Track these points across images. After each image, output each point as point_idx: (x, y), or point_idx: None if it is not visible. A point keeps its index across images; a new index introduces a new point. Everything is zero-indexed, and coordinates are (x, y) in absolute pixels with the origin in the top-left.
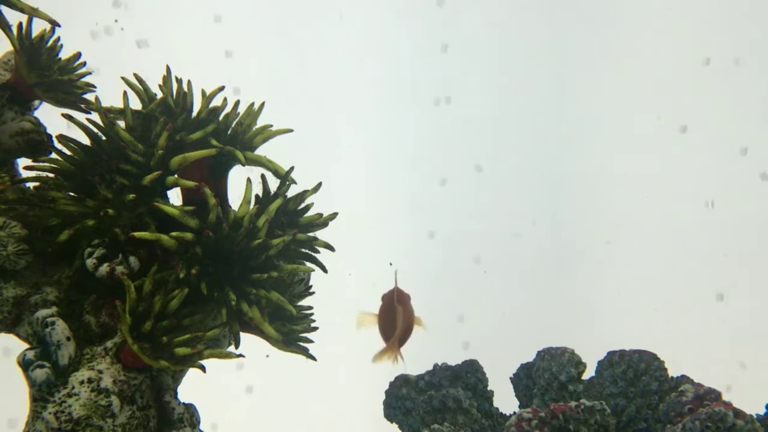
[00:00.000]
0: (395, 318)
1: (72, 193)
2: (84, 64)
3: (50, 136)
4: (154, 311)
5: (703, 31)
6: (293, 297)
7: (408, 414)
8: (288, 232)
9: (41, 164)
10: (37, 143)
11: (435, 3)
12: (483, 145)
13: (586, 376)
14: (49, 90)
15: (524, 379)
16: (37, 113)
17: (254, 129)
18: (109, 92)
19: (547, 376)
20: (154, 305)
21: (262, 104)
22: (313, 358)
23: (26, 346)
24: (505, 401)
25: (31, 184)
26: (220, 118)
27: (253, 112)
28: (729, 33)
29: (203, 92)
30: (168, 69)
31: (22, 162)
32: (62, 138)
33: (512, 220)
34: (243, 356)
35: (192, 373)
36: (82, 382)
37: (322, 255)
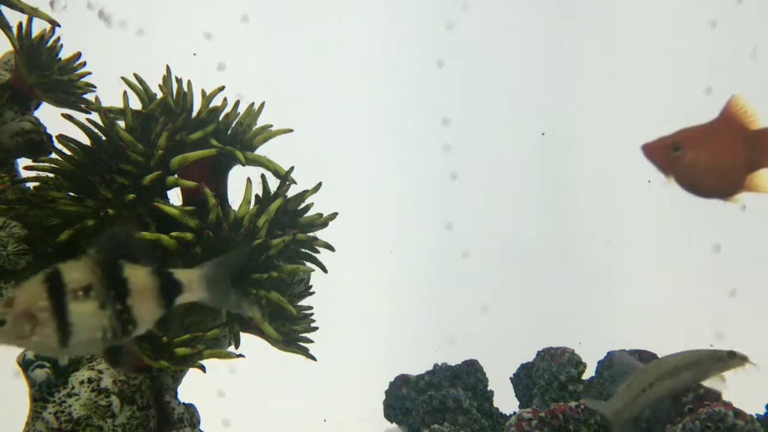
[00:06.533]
0: None
1: (72, 193)
2: (84, 64)
3: (50, 136)
4: None
5: (708, 33)
6: (293, 297)
7: (408, 414)
8: (288, 232)
9: (41, 164)
10: (37, 143)
11: (436, 5)
12: (484, 144)
13: (586, 376)
14: (49, 90)
15: (524, 379)
16: (37, 113)
17: (254, 129)
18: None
19: (547, 376)
20: None
21: (262, 104)
22: (313, 357)
23: None
24: (505, 401)
25: (31, 184)
26: (220, 118)
27: (253, 112)
28: (733, 36)
29: (203, 92)
30: (168, 69)
31: (22, 162)
32: (62, 138)
33: (512, 220)
34: (243, 356)
35: (192, 374)
36: (82, 382)
37: (323, 255)
